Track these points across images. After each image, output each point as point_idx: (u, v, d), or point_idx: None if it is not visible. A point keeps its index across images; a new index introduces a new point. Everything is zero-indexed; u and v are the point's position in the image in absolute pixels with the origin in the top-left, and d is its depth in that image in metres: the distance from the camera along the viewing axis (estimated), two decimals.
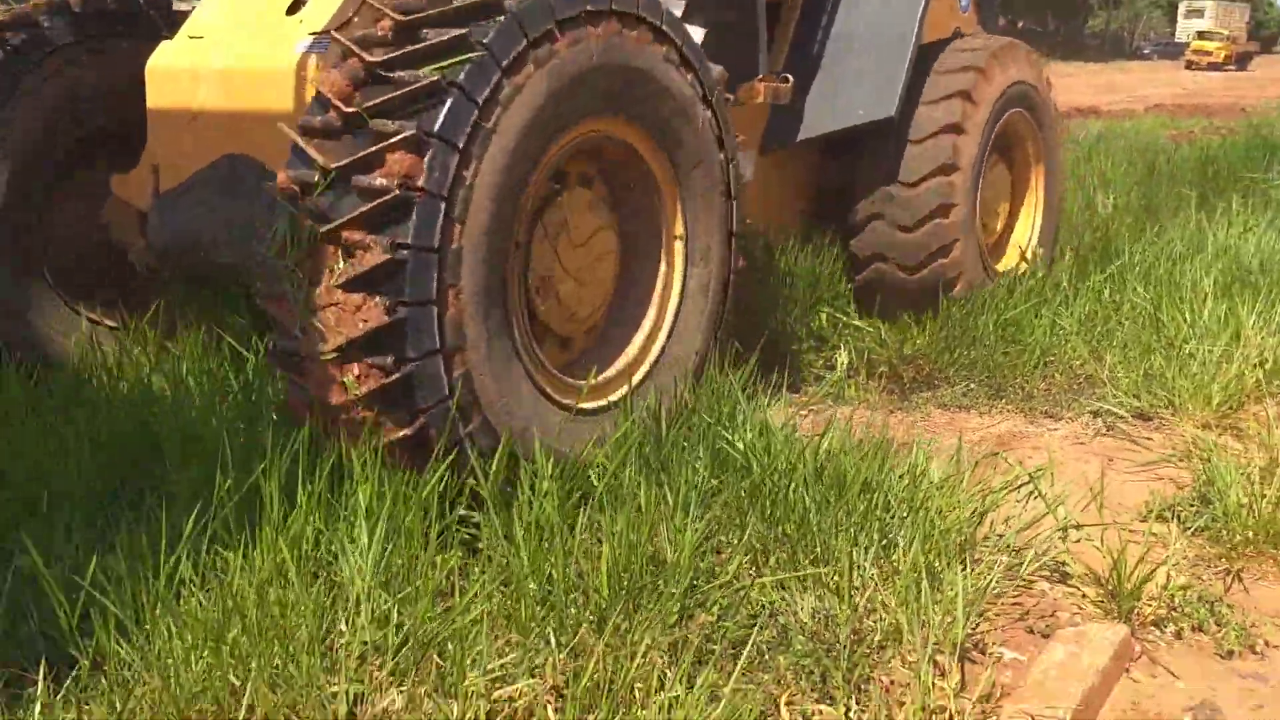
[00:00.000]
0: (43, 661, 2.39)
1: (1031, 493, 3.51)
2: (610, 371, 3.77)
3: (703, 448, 3.37)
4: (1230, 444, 4.32)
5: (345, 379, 2.92)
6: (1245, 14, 73.23)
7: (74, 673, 2.40)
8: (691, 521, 2.98)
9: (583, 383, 3.54)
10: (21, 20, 4.41)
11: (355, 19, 3.38)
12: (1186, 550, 3.53)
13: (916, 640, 2.74)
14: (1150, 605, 3.23)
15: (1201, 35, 61.92)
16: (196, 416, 3.52)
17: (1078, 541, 3.45)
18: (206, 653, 2.40)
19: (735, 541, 3.00)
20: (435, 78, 2.97)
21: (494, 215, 3.11)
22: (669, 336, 3.91)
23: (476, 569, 2.88)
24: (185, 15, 4.44)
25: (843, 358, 5.12)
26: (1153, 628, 3.20)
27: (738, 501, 3.19)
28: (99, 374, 4.16)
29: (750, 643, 2.63)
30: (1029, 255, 6.12)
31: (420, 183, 2.91)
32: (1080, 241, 6.70)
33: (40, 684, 2.33)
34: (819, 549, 3.05)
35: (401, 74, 3.03)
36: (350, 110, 2.99)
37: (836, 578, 2.89)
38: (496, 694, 2.41)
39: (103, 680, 2.40)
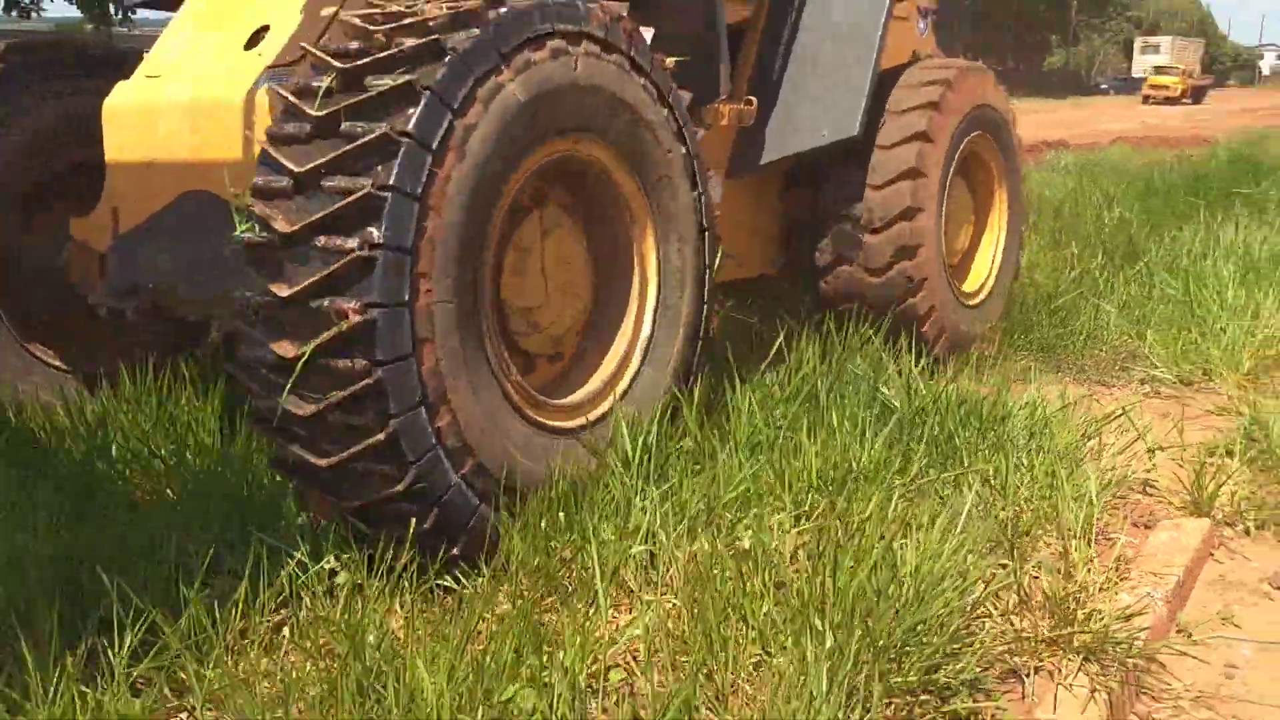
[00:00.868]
0: None
1: (1120, 427, 4.33)
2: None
3: (862, 390, 4.16)
4: (1261, 400, 5.16)
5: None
6: (1200, 49, 75.41)
7: None
8: (870, 437, 3.77)
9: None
10: None
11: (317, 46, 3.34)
12: (1245, 472, 4.35)
13: (1062, 521, 3.53)
14: (1222, 510, 4.06)
15: (1158, 70, 63.32)
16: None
17: (1155, 466, 4.29)
18: None
19: (908, 449, 3.80)
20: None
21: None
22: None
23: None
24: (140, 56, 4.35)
25: None
26: (1226, 526, 4.03)
27: (897, 428, 3.98)
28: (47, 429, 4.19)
29: (936, 519, 3.40)
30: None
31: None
32: (1108, 242, 7.57)
33: None
34: (966, 462, 3.85)
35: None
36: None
37: (991, 475, 3.69)
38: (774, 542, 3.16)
39: None
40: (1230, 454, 4.56)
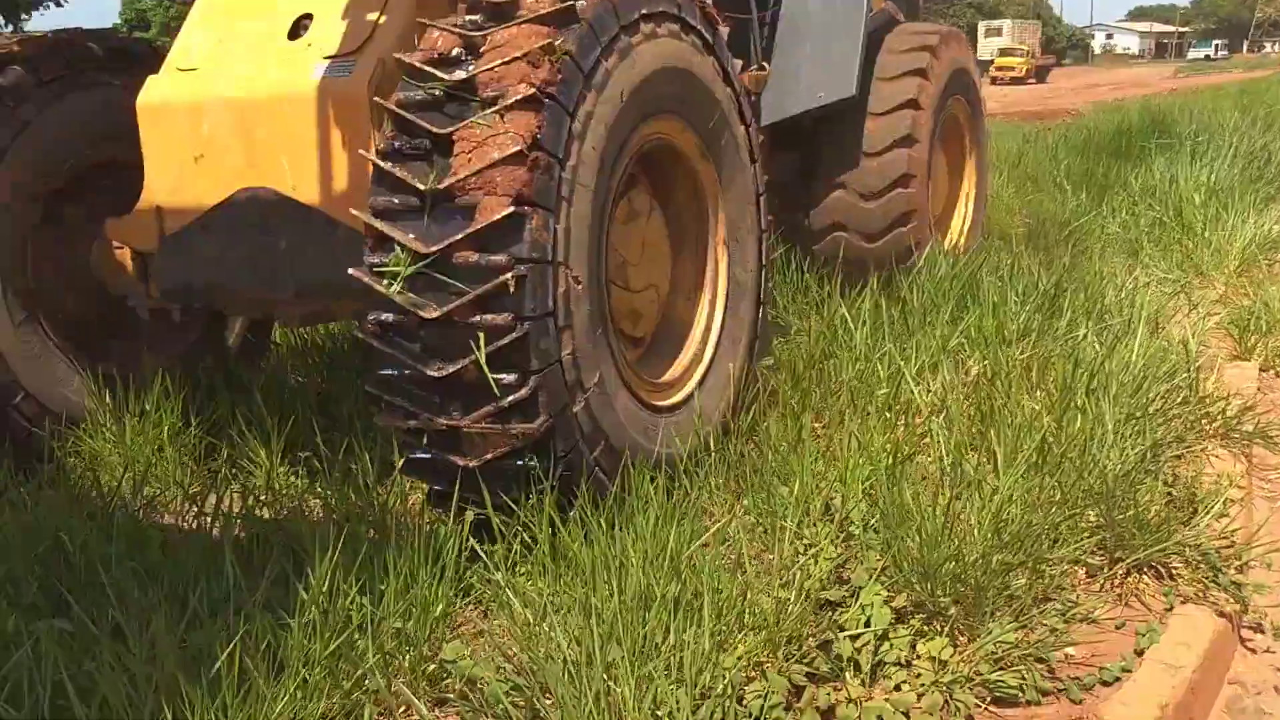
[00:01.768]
0: None
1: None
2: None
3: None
4: (1250, 288, 6.50)
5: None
6: (1037, 31, 79.54)
7: None
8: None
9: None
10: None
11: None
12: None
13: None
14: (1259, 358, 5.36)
15: (1004, 52, 66.27)
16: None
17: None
18: None
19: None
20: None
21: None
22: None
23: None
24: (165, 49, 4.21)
25: None
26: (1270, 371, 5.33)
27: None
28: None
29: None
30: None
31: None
32: (1082, 180, 8.93)
33: None
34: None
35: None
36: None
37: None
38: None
39: None
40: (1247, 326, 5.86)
